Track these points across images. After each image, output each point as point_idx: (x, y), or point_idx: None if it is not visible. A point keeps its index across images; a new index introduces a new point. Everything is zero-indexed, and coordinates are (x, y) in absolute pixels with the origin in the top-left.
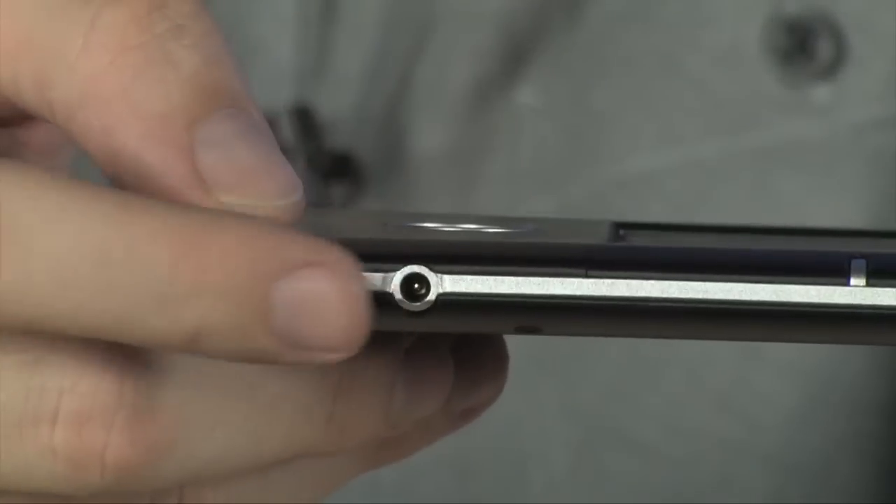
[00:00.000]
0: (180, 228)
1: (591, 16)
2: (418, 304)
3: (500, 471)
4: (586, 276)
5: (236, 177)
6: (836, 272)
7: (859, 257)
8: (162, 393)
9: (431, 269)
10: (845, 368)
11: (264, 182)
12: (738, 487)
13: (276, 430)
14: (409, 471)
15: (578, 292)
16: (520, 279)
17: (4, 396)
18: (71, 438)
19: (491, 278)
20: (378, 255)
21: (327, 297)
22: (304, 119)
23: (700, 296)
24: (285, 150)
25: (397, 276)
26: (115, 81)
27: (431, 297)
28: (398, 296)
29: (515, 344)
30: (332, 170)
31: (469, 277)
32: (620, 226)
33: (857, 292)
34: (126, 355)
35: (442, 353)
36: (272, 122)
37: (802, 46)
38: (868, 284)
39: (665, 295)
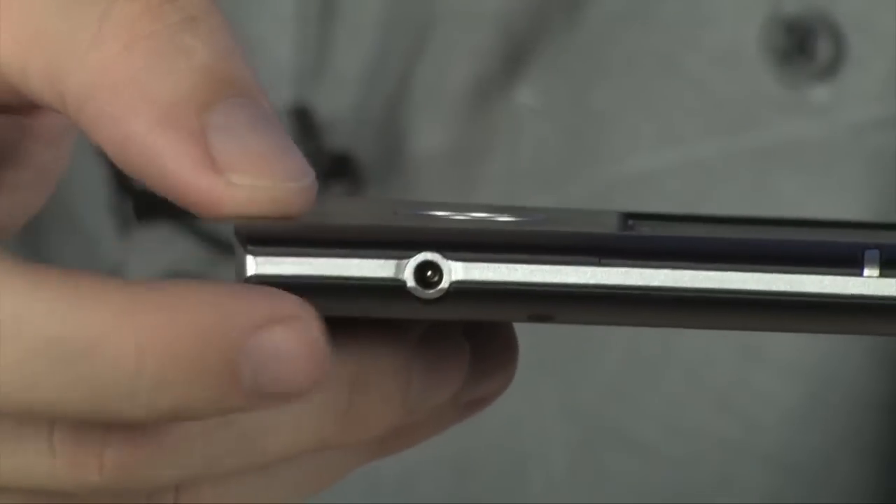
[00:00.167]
0: (139, 312)
1: (591, 16)
2: (431, 291)
3: (499, 470)
4: (599, 264)
5: (249, 159)
6: (849, 262)
7: (873, 248)
8: None
9: (445, 257)
10: (844, 367)
11: (276, 165)
12: (737, 487)
13: (283, 429)
14: (409, 470)
15: (592, 281)
16: (533, 267)
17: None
18: (69, 437)
19: (504, 266)
20: (391, 243)
21: (290, 350)
22: (303, 119)
23: (713, 285)
24: None
25: (410, 264)
26: (125, 69)
27: (444, 284)
28: (411, 283)
29: None
30: (331, 170)
31: (482, 265)
32: (629, 216)
33: (870, 283)
34: None
35: (457, 338)
36: None
37: (801, 46)
38: (882, 275)
39: (678, 284)
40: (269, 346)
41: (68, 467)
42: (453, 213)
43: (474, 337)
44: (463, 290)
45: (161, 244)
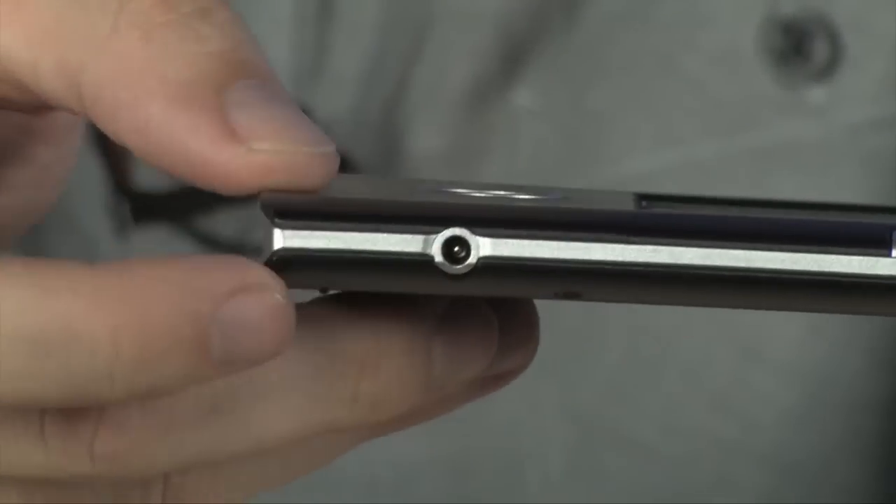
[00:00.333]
0: (111, 296)
1: (589, 17)
2: (459, 267)
3: (498, 470)
4: (628, 241)
5: (269, 127)
6: (878, 243)
7: None
8: None
9: (473, 232)
10: (843, 368)
11: (296, 132)
12: (735, 487)
13: (283, 416)
14: (408, 470)
15: (620, 258)
16: (561, 244)
17: None
18: (60, 428)
19: (533, 242)
20: (419, 218)
21: (257, 318)
22: None
23: (742, 264)
24: None
25: (438, 239)
26: (143, 55)
27: (472, 260)
28: (438, 258)
29: None
30: None
31: (511, 241)
32: (643, 197)
33: None
34: None
35: (484, 314)
36: None
37: (798, 47)
38: None
39: (707, 262)
40: (238, 315)
41: (60, 458)
42: (474, 191)
43: (495, 312)
44: (490, 266)
45: (159, 246)
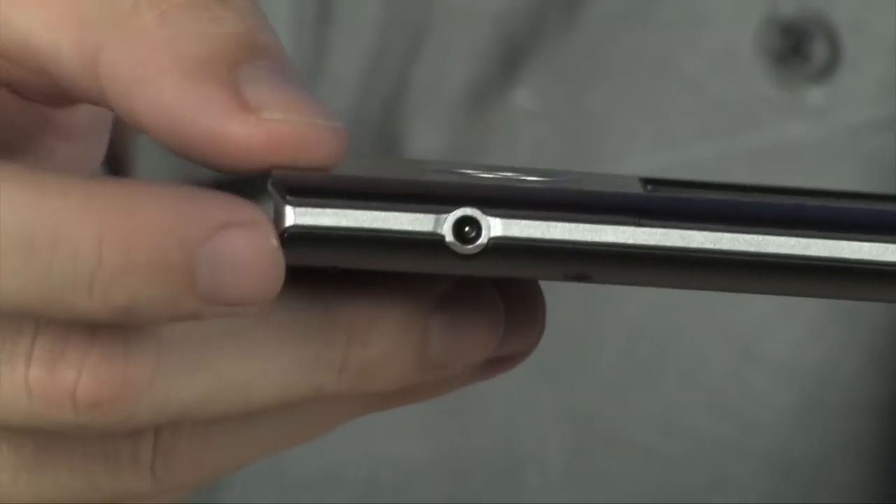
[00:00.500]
0: (101, 204)
1: (588, 17)
2: (469, 247)
3: (495, 472)
4: (639, 224)
5: (280, 99)
6: (889, 230)
7: None
8: (137, 335)
9: (484, 213)
10: (841, 368)
11: (307, 105)
12: (733, 488)
13: (270, 377)
14: (405, 471)
15: (631, 241)
16: (572, 225)
17: None
18: (44, 377)
19: (543, 223)
20: (431, 197)
21: (245, 256)
22: None
23: (752, 248)
24: None
25: (450, 219)
26: (159, 34)
27: (483, 240)
28: (449, 238)
29: None
30: None
31: (521, 222)
32: (648, 181)
33: None
34: None
35: (490, 298)
36: None
37: (797, 48)
38: None
39: (717, 246)
40: (226, 250)
41: (43, 406)
42: (484, 173)
43: (501, 294)
44: (501, 247)
45: None
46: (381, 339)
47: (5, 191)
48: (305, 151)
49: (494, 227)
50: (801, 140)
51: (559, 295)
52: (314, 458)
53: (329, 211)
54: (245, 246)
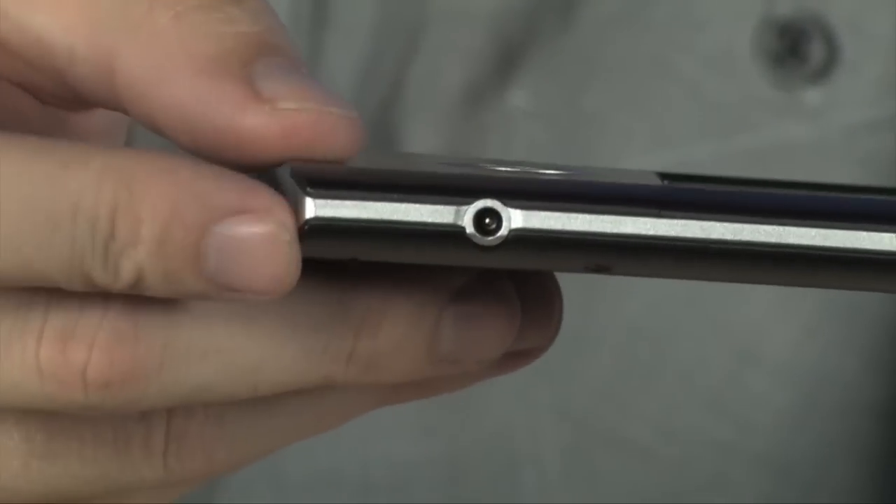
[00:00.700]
0: (117, 176)
1: (584, 18)
2: (490, 238)
3: (492, 472)
4: (660, 216)
5: (294, 90)
6: None
7: None
8: (148, 316)
9: (504, 204)
10: (838, 369)
11: (323, 95)
12: (730, 488)
13: (279, 363)
14: (403, 471)
15: (651, 232)
16: (592, 217)
17: None
18: (54, 356)
19: (564, 215)
20: (451, 189)
21: (255, 244)
22: None
23: (773, 239)
24: None
25: (470, 210)
26: (174, 34)
27: (503, 232)
28: (470, 230)
29: None
30: None
31: (542, 213)
32: (664, 176)
33: None
34: None
35: (507, 295)
36: None
37: (794, 49)
38: None
39: (737, 237)
40: (237, 235)
41: (53, 386)
42: (496, 166)
43: (518, 288)
44: (521, 238)
45: None
46: (391, 330)
47: (30, 164)
48: (321, 141)
49: (515, 218)
50: (799, 141)
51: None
52: (311, 457)
53: (349, 203)
54: (254, 235)
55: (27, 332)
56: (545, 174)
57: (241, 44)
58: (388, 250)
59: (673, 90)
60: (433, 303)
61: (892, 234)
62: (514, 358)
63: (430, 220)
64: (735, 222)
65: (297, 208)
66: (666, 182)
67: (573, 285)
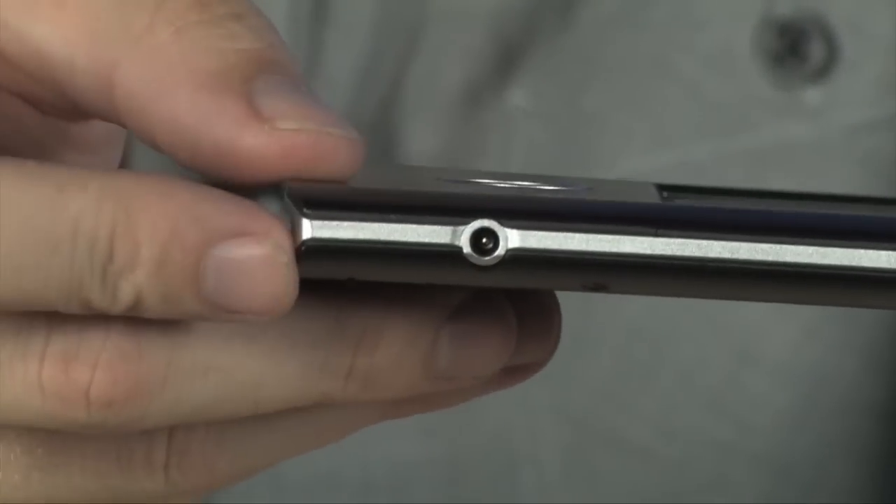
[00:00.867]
0: (116, 199)
1: (584, 17)
2: (487, 258)
3: (491, 472)
4: (657, 235)
5: (294, 109)
6: None
7: None
8: (151, 335)
9: (501, 224)
10: (838, 369)
11: (323, 115)
12: (730, 489)
13: (279, 380)
14: (402, 472)
15: (648, 251)
16: (590, 236)
17: None
18: (57, 375)
19: (561, 234)
20: (448, 209)
21: (254, 266)
22: None
23: (770, 258)
24: None
25: (467, 231)
26: (175, 49)
27: (500, 251)
28: (467, 249)
29: None
30: None
31: (539, 233)
32: (663, 188)
33: None
34: None
35: (503, 312)
36: None
37: (794, 48)
38: None
39: (735, 256)
40: (236, 257)
41: (56, 404)
42: (497, 182)
43: (516, 304)
44: (519, 258)
45: None
46: (389, 348)
47: (28, 188)
48: (320, 161)
49: (512, 238)
50: (799, 140)
51: (557, 295)
52: (311, 459)
53: (346, 224)
54: (255, 257)
55: (29, 354)
56: (542, 190)
57: (242, 60)
58: (385, 270)
59: (673, 90)
60: (430, 321)
61: (890, 252)
62: (513, 372)
63: (426, 240)
64: (732, 241)
65: (295, 229)
66: (665, 194)
67: None
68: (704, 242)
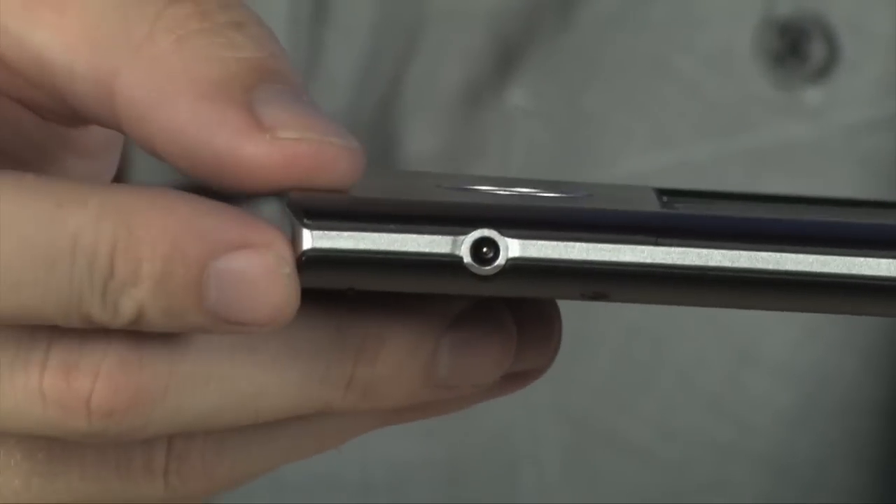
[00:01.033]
0: (116, 214)
1: (583, 17)
2: (487, 268)
3: (491, 473)
4: (657, 244)
5: (295, 119)
6: None
7: None
8: (152, 344)
9: (502, 234)
10: (838, 370)
11: (324, 125)
12: (730, 489)
13: (280, 390)
14: (401, 472)
15: (649, 260)
16: (590, 245)
17: None
18: (58, 384)
19: (561, 244)
20: (448, 218)
21: (255, 278)
22: None
23: (771, 266)
24: None
25: (467, 240)
26: (175, 58)
27: (501, 261)
28: (467, 259)
29: None
30: None
31: (539, 243)
32: (663, 192)
33: None
34: None
35: (503, 320)
36: None
37: (794, 48)
38: None
39: (735, 265)
40: (236, 269)
41: (57, 413)
42: (497, 188)
43: (516, 311)
44: (519, 268)
45: None
46: (390, 357)
47: (27, 202)
48: (321, 171)
49: (512, 248)
50: (799, 140)
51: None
52: (310, 460)
53: (346, 234)
54: (254, 267)
55: (31, 362)
56: (542, 198)
57: (243, 69)
58: (385, 280)
59: (672, 90)
60: (431, 330)
61: (890, 260)
62: (514, 379)
63: (427, 250)
64: (732, 249)
65: (295, 240)
66: (664, 198)
67: None
68: (705, 251)
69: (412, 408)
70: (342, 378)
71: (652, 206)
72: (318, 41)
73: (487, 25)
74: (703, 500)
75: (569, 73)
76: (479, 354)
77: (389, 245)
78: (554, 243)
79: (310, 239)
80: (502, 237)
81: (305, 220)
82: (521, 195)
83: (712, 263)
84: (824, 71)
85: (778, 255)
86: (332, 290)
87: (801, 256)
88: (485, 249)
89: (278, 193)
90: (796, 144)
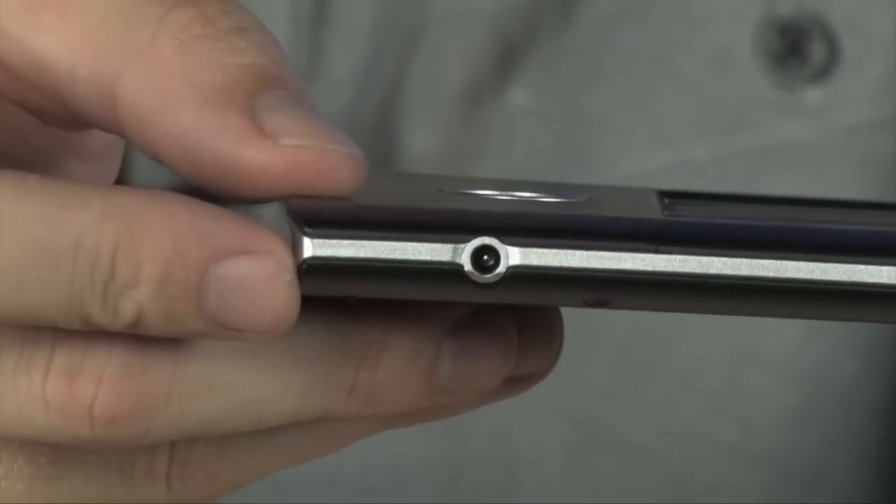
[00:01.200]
0: (118, 217)
1: (583, 17)
2: (488, 276)
3: (491, 473)
4: (657, 251)
5: (297, 126)
6: None
7: None
8: (155, 350)
9: (502, 242)
10: (839, 370)
11: (327, 132)
12: (730, 490)
13: (282, 396)
14: (401, 473)
15: (649, 268)
16: (590, 253)
17: None
18: (61, 390)
19: (562, 252)
20: (449, 226)
21: (256, 284)
22: None
23: (771, 274)
24: None
25: (468, 248)
26: (178, 63)
27: (501, 269)
28: (468, 267)
29: None
30: None
31: (540, 251)
32: (665, 194)
33: None
34: None
35: (504, 326)
36: None
37: (795, 48)
38: None
39: (736, 272)
40: (237, 275)
41: (59, 419)
42: (496, 193)
43: (517, 315)
44: (520, 275)
45: None
46: (391, 364)
47: (30, 203)
48: (323, 178)
49: (513, 255)
50: (799, 140)
51: None
52: None
53: (346, 242)
54: (257, 275)
55: (33, 367)
56: (543, 204)
57: (245, 75)
58: (385, 288)
59: (673, 90)
60: (432, 336)
61: (891, 268)
62: (515, 383)
63: (427, 258)
64: (733, 257)
65: (296, 247)
66: (666, 200)
67: None
68: (705, 259)
69: (413, 412)
70: (344, 384)
71: (653, 210)
72: (319, 42)
73: (488, 25)
74: (704, 500)
75: (569, 72)
76: (479, 360)
77: (390, 253)
78: (554, 251)
79: (310, 247)
80: (503, 245)
81: (306, 229)
82: (522, 201)
83: (713, 271)
84: (824, 71)
85: (779, 262)
86: (333, 297)
87: (801, 264)
88: (485, 257)
89: (279, 200)
90: (796, 144)
